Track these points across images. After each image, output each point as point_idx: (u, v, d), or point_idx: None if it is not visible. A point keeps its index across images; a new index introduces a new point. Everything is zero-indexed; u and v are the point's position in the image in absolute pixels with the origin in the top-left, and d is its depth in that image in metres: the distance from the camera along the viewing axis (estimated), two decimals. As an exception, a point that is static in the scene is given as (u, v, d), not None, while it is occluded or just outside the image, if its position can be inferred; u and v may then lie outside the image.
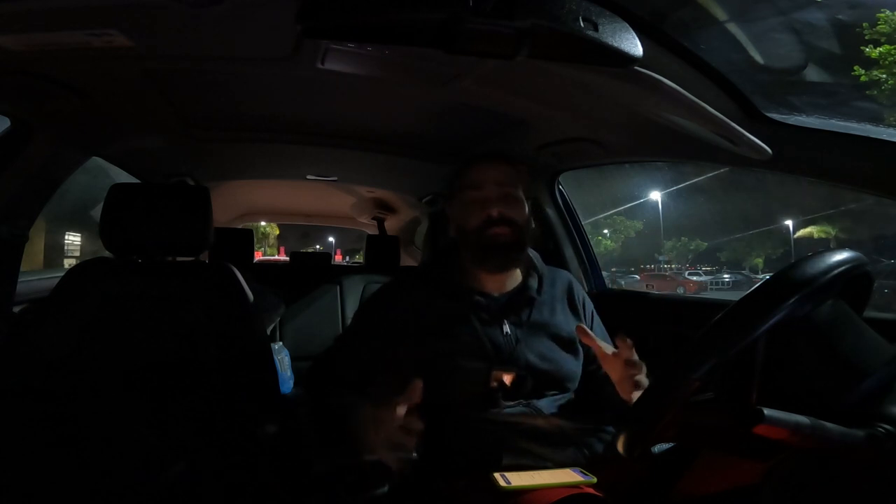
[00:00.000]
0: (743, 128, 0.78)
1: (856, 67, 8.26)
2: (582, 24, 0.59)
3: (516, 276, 0.94)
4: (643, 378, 0.78)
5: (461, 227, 0.92)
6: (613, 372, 0.81)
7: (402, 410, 0.70)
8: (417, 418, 0.70)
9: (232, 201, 2.49)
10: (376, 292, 0.98)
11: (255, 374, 1.06)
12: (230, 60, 0.90)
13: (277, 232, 22.18)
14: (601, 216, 20.71)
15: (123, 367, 1.02)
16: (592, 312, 0.98)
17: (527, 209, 0.92)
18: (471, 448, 0.80)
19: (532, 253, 0.97)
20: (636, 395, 0.77)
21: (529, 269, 0.95)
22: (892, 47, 8.27)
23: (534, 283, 0.92)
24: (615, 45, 0.60)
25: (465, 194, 0.91)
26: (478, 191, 0.90)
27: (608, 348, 0.82)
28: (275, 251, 20.65)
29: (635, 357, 0.78)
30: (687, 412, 0.55)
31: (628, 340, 0.78)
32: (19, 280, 1.14)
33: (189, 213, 1.10)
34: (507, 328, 0.87)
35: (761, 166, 0.86)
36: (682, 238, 21.85)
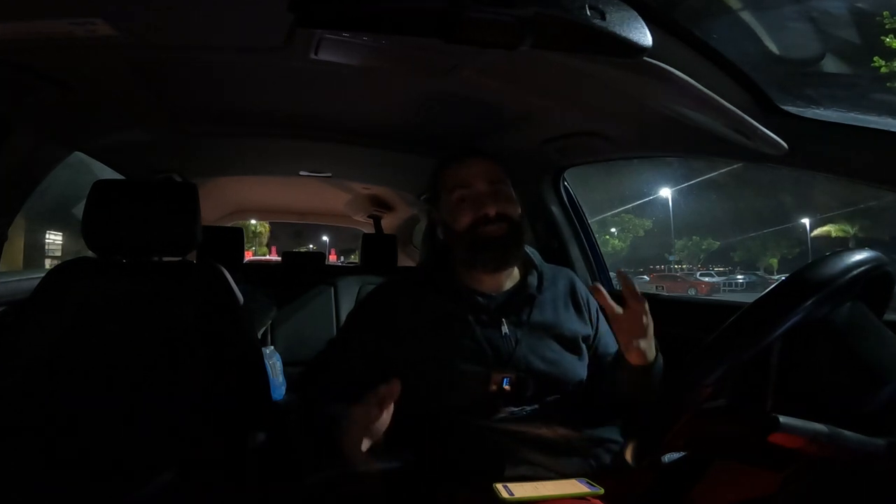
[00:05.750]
0: (757, 121, 0.76)
1: (876, 58, 7.94)
2: (588, 12, 0.57)
3: (514, 275, 0.92)
4: (646, 345, 0.75)
5: (452, 228, 0.89)
6: (621, 335, 0.77)
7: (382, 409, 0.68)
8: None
9: (221, 198, 2.45)
10: (370, 294, 0.96)
11: (245, 380, 1.04)
12: (219, 51, 0.88)
13: (269, 230, 22.07)
14: (608, 214, 20.36)
15: (107, 370, 1.00)
16: (598, 311, 0.95)
17: (519, 207, 0.90)
18: (471, 457, 0.78)
19: (530, 250, 0.95)
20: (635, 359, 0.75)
21: (528, 266, 0.92)
22: (913, 37, 8.09)
23: (533, 280, 0.90)
24: (623, 34, 0.58)
25: (454, 193, 0.88)
26: (468, 189, 0.88)
27: (618, 309, 0.77)
28: (266, 250, 20.55)
29: (644, 316, 0.74)
30: (698, 419, 0.55)
31: (639, 294, 0.74)
32: (-3, 281, 1.11)
33: (176, 211, 1.07)
34: (505, 329, 0.85)
35: (777, 162, 0.84)
36: (694, 237, 21.29)
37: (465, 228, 0.86)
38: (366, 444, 0.69)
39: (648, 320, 0.75)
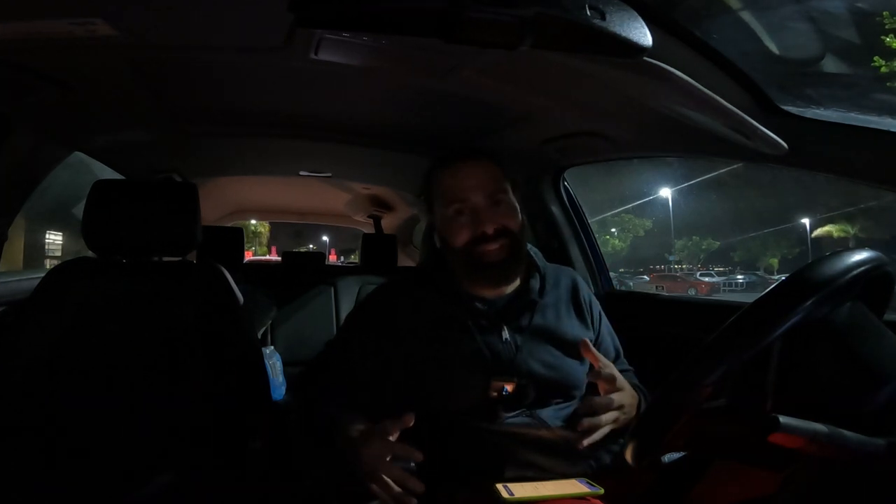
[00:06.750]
0: (757, 121, 0.75)
1: (876, 58, 7.77)
2: (588, 12, 0.57)
3: (515, 279, 0.90)
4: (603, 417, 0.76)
5: (447, 241, 0.85)
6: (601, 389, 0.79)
7: (393, 438, 0.70)
8: (411, 448, 0.71)
9: (221, 198, 2.44)
10: (370, 295, 0.95)
11: (245, 380, 1.03)
12: (219, 51, 0.87)
13: (269, 230, 21.96)
14: (608, 214, 20.11)
15: (107, 370, 0.99)
16: (600, 313, 0.95)
17: (520, 211, 0.86)
18: (471, 457, 0.77)
19: (533, 250, 0.92)
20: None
21: (530, 268, 0.90)
22: (914, 37, 7.99)
23: (535, 284, 0.88)
24: (623, 34, 0.58)
25: (449, 207, 0.83)
26: (463, 203, 0.82)
27: (607, 367, 0.79)
28: (266, 250, 20.46)
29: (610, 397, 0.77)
30: (698, 420, 0.54)
31: (605, 380, 0.77)
32: (-3, 281, 1.11)
33: (176, 211, 1.07)
34: (506, 335, 0.83)
35: (777, 162, 0.84)
36: (694, 237, 21.02)
37: (462, 246, 0.82)
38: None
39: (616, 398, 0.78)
